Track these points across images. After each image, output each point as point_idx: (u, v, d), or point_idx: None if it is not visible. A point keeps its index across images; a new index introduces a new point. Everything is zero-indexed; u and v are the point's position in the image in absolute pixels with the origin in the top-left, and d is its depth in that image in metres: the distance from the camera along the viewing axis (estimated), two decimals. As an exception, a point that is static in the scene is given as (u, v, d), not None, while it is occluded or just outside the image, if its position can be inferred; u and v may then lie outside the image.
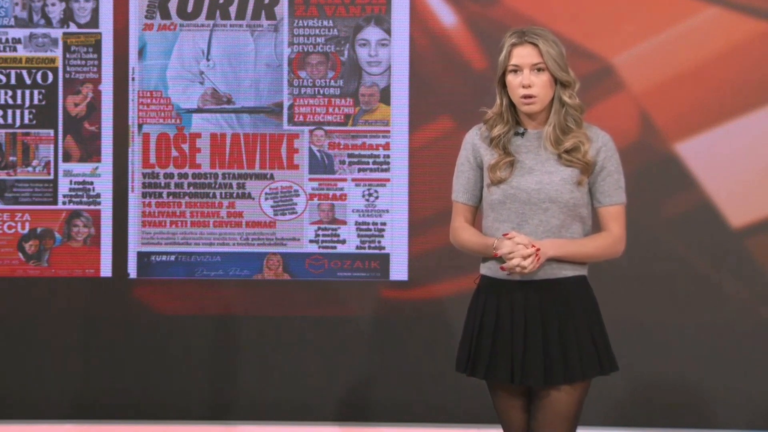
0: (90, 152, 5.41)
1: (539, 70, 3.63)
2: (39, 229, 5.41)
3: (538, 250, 3.55)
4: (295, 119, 5.37)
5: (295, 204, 5.37)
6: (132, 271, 5.40)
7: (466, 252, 3.75)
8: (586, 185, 3.66)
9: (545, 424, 3.63)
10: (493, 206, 3.67)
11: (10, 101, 5.41)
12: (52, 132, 5.41)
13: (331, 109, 5.36)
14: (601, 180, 3.67)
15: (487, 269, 3.70)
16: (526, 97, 3.63)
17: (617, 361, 3.69)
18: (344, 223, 5.37)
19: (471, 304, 3.73)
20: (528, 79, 3.62)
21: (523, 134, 3.69)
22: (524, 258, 3.54)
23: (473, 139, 3.75)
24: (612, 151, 3.68)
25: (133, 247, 5.40)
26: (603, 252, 3.68)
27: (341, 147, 5.36)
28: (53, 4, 5.39)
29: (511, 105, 3.70)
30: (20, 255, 5.41)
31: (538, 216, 3.62)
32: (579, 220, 3.66)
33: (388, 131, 5.35)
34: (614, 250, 3.70)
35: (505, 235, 3.57)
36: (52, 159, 5.40)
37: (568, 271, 3.64)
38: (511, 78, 3.65)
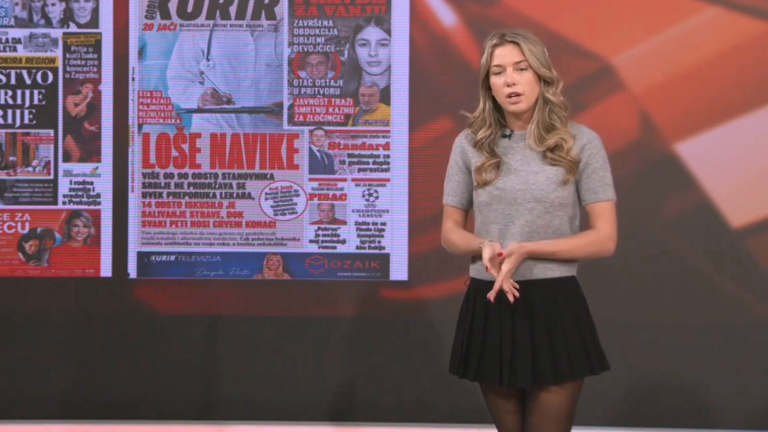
0: (90, 152, 5.41)
1: (522, 68, 3.64)
2: (39, 229, 5.41)
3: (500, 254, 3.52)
4: (295, 119, 5.37)
5: (295, 204, 5.37)
6: (132, 271, 5.40)
7: (456, 254, 3.76)
8: (572, 184, 3.65)
9: (538, 426, 3.62)
10: (480, 208, 3.68)
11: (10, 101, 5.41)
12: (52, 132, 5.41)
13: (331, 109, 5.36)
14: (586, 177, 3.66)
15: (476, 271, 3.70)
16: (511, 95, 3.63)
17: (608, 361, 3.68)
18: (344, 223, 5.37)
19: (462, 306, 3.74)
20: (511, 77, 3.63)
21: (509, 136, 3.70)
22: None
23: (462, 143, 3.75)
24: (597, 148, 3.67)
25: (133, 247, 5.40)
26: (587, 251, 3.64)
27: (341, 147, 5.36)
28: (53, 4, 5.39)
29: (496, 108, 3.70)
30: (20, 255, 5.41)
31: (524, 216, 3.62)
32: (566, 219, 3.65)
33: (388, 131, 5.35)
34: (601, 248, 3.66)
35: (499, 255, 3.56)
36: (52, 159, 5.40)
37: (556, 272, 3.64)
38: (495, 79, 3.66)
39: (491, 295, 3.55)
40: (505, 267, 3.52)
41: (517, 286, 3.54)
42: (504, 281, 3.52)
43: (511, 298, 3.53)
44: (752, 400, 5.22)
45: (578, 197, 3.68)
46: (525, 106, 3.65)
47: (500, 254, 3.53)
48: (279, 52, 5.37)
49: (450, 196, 3.77)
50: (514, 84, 3.62)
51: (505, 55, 3.64)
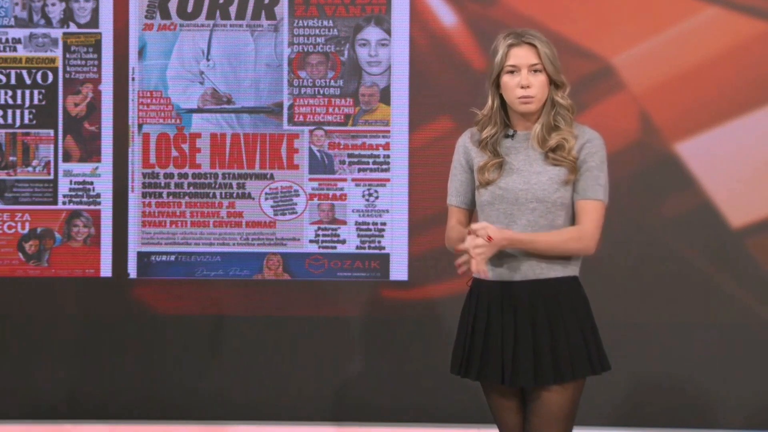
0: (90, 152, 5.41)
1: (536, 71, 3.64)
2: (39, 229, 5.41)
3: (489, 238, 3.53)
4: (295, 119, 5.37)
5: (295, 204, 5.37)
6: (132, 271, 5.40)
7: (457, 252, 3.76)
8: (572, 184, 3.66)
9: (539, 426, 3.63)
10: (483, 208, 3.68)
11: (10, 101, 5.41)
12: (52, 132, 5.41)
13: (331, 109, 5.36)
14: (581, 174, 3.65)
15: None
16: (524, 97, 3.63)
17: (609, 361, 3.68)
18: (344, 223, 5.37)
19: (464, 306, 3.74)
20: (527, 79, 3.63)
21: (512, 136, 3.70)
22: (474, 247, 3.52)
23: (465, 143, 3.75)
24: (597, 148, 3.67)
25: (133, 247, 5.40)
26: (565, 246, 3.61)
27: (341, 147, 5.36)
28: (53, 4, 5.39)
29: (502, 106, 3.70)
30: (20, 255, 5.41)
31: (526, 216, 3.62)
32: (568, 220, 3.66)
33: (388, 131, 5.35)
34: (580, 245, 3.63)
35: (470, 233, 3.56)
36: (52, 159, 5.40)
37: (558, 272, 3.64)
38: (507, 79, 3.65)
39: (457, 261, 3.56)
40: (477, 241, 3.52)
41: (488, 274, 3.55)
42: (477, 256, 3.51)
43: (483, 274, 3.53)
44: (752, 400, 5.22)
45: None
46: (535, 108, 3.65)
47: (469, 232, 3.53)
48: (279, 52, 5.37)
49: (453, 196, 3.77)
50: (528, 86, 3.62)
51: (522, 56, 3.63)
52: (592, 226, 3.64)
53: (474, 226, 3.56)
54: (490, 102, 3.70)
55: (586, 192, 3.65)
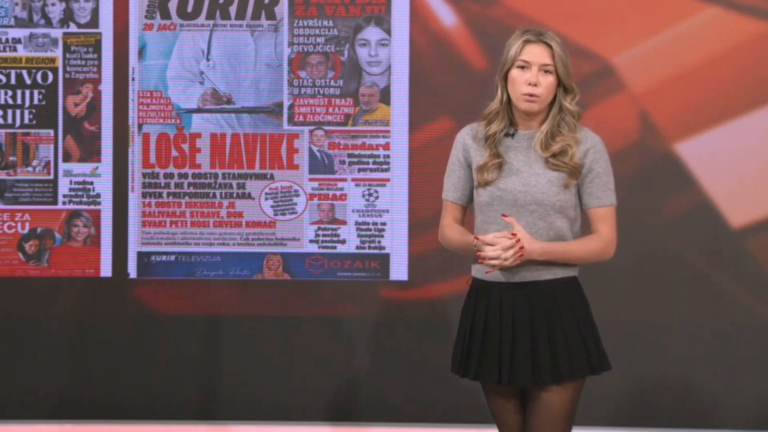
0: (90, 152, 5.41)
1: (547, 71, 3.63)
2: (39, 229, 5.41)
3: (518, 240, 3.53)
4: (295, 119, 5.37)
5: (295, 204, 5.37)
6: (132, 271, 5.40)
7: (452, 250, 3.77)
8: (573, 187, 3.65)
9: (539, 426, 3.63)
10: (481, 208, 3.68)
11: (10, 101, 5.41)
12: (52, 132, 5.41)
13: (331, 109, 5.36)
14: (589, 182, 3.66)
15: (478, 271, 3.70)
16: (529, 95, 3.62)
17: (609, 361, 3.68)
18: (344, 223, 5.37)
19: (464, 305, 3.74)
20: (536, 77, 3.61)
21: (513, 135, 3.69)
22: (505, 249, 3.53)
23: (464, 139, 3.74)
24: (601, 153, 3.67)
25: (133, 247, 5.40)
26: (592, 255, 3.67)
27: (341, 147, 5.36)
28: (53, 4, 5.39)
29: (508, 103, 3.69)
30: (20, 255, 5.41)
31: (525, 218, 3.62)
32: (567, 222, 3.65)
33: (388, 131, 5.35)
34: (604, 252, 3.68)
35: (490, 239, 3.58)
36: (52, 159, 5.40)
37: (558, 272, 3.64)
38: (516, 73, 3.64)
39: (479, 254, 3.56)
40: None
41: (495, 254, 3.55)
42: (505, 260, 3.53)
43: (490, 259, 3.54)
44: (752, 400, 5.22)
45: (579, 200, 3.68)
46: (537, 108, 3.64)
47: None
48: (279, 52, 5.37)
49: (450, 191, 3.77)
50: (536, 85, 3.61)
51: (536, 54, 3.62)
52: (612, 233, 3.69)
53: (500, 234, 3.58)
54: (499, 95, 3.69)
55: (600, 199, 3.66)
